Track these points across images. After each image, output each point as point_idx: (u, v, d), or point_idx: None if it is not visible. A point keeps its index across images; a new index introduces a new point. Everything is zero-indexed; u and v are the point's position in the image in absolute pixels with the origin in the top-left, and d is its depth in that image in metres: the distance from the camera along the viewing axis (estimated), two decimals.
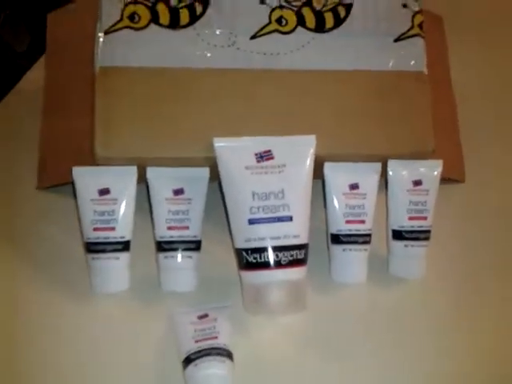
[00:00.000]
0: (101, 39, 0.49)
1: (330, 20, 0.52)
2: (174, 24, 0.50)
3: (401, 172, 0.52)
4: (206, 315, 0.46)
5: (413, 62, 0.53)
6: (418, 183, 0.52)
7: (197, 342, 0.43)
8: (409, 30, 0.53)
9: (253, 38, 0.51)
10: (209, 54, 0.50)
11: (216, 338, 0.44)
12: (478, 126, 0.64)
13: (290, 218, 0.47)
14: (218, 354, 0.42)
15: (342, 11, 0.52)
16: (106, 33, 0.49)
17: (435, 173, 0.53)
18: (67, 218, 0.53)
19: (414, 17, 0.53)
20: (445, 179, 0.56)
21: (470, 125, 0.61)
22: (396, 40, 0.53)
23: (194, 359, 0.42)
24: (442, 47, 0.63)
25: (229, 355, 0.43)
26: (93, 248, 0.48)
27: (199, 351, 0.42)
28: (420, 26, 0.53)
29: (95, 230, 0.47)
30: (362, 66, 0.52)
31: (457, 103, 0.61)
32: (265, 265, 0.46)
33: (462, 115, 0.61)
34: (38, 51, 0.64)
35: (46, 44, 0.57)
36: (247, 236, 0.46)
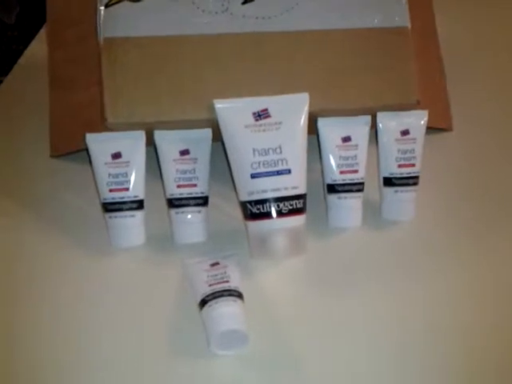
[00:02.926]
0: (102, 12, 0.52)
1: None
2: None
3: (389, 123, 0.55)
4: (217, 263, 0.50)
5: (397, 18, 0.55)
6: (405, 133, 0.55)
7: (210, 285, 0.47)
8: None
9: (244, 3, 0.54)
10: (204, 21, 0.53)
11: (227, 281, 0.48)
12: (465, 76, 0.66)
13: (289, 171, 0.50)
14: (230, 295, 0.47)
15: None
16: (107, 6, 0.52)
17: (422, 122, 0.56)
18: (81, 182, 0.57)
19: None
20: (433, 128, 0.59)
21: (458, 75, 0.63)
22: None
23: (208, 300, 0.46)
24: (427, 1, 0.64)
25: (239, 296, 0.47)
26: (110, 208, 0.51)
27: (213, 293, 0.47)
28: None
29: (111, 191, 0.51)
30: (348, 24, 0.54)
31: (444, 55, 0.63)
32: (267, 214, 0.49)
33: (450, 66, 0.63)
34: (29, 22, 0.65)
35: (47, 18, 0.58)
36: (250, 189, 0.50)
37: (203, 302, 0.47)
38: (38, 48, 0.71)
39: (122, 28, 0.52)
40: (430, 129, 0.57)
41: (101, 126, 0.52)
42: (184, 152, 0.53)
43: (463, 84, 0.65)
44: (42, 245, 0.54)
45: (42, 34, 0.72)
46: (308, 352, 0.47)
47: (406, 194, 0.55)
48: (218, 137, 0.53)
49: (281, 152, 0.50)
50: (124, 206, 0.51)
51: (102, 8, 0.52)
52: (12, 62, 0.71)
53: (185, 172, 0.53)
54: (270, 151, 0.50)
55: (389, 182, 0.55)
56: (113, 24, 0.52)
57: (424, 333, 0.48)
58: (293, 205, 0.50)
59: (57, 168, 0.59)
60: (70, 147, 0.57)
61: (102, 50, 0.51)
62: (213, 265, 0.50)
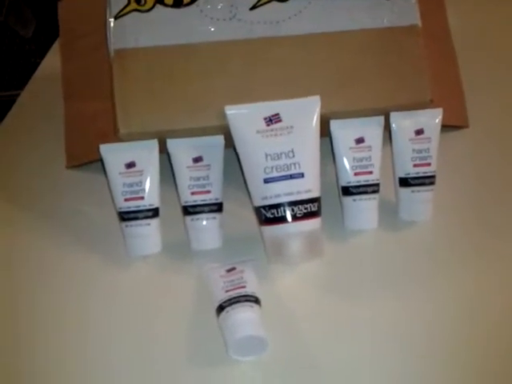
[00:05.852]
0: (111, 24, 0.53)
1: None
2: (178, 3, 0.53)
3: (403, 123, 0.54)
4: (233, 268, 0.50)
5: (406, 17, 0.54)
6: (419, 132, 0.55)
7: (227, 291, 0.47)
8: None
9: (252, 8, 0.54)
10: (212, 28, 0.53)
11: (244, 287, 0.48)
12: (480, 72, 0.65)
13: (302, 175, 0.50)
14: (247, 301, 0.47)
15: None
16: (116, 17, 0.53)
17: (436, 121, 0.55)
18: (97, 191, 0.58)
19: None
20: (449, 126, 0.58)
21: (473, 71, 0.62)
22: None
23: (225, 307, 0.46)
24: None
25: (256, 301, 0.47)
26: (126, 216, 0.52)
27: (229, 299, 0.47)
28: None
29: (126, 200, 0.51)
30: (357, 25, 0.54)
31: (458, 51, 0.62)
32: (282, 219, 0.49)
33: (464, 63, 0.62)
34: (46, 35, 0.67)
35: (60, 30, 0.59)
36: (264, 194, 0.50)
37: (220, 308, 0.47)
38: (52, 60, 0.72)
39: (131, 39, 0.52)
40: (446, 127, 0.57)
41: (114, 136, 0.52)
42: (197, 159, 0.53)
43: (479, 79, 0.64)
44: (58, 254, 0.54)
45: (57, 46, 0.73)
46: (327, 356, 0.46)
47: (422, 194, 0.55)
48: (230, 143, 0.53)
49: (293, 156, 0.50)
50: (139, 215, 0.52)
51: (112, 20, 0.53)
52: (31, 74, 0.73)
53: (198, 179, 0.53)
54: (283, 155, 0.50)
55: (405, 182, 0.55)
56: (122, 35, 0.52)
57: (446, 334, 0.47)
58: (307, 208, 0.50)
59: (72, 178, 0.60)
60: (85, 158, 0.58)
61: (112, 61, 0.52)
62: (229, 270, 0.50)
